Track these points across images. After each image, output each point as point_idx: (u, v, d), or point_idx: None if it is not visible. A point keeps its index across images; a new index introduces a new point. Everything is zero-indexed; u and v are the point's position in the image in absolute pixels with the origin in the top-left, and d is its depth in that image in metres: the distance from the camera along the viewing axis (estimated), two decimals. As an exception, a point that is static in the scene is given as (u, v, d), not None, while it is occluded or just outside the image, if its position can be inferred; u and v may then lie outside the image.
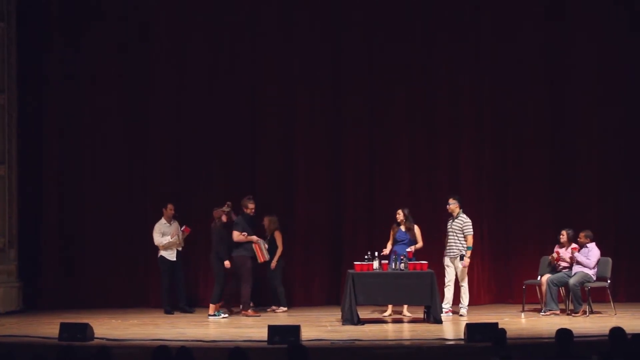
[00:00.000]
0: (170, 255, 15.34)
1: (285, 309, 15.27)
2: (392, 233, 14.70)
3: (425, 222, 15.25)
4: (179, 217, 15.58)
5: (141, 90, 16.50)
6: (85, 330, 11.81)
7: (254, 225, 14.72)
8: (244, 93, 16.53)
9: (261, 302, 15.47)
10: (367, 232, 15.90)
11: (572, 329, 8.43)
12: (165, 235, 15.30)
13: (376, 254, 13.87)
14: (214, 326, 13.64)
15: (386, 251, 14.39)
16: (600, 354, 8.08)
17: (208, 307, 14.86)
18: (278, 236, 15.34)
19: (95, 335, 11.97)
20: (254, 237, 14.59)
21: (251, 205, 14.62)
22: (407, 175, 16.45)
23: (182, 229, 15.31)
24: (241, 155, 16.47)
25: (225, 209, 14.62)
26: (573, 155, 16.43)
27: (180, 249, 15.44)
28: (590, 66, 16.43)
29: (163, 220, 15.41)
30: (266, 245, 14.85)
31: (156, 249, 15.42)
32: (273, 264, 15.17)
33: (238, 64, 16.49)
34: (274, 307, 15.36)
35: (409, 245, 14.43)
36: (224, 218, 14.59)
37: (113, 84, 16.49)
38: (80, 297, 16.09)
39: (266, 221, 15.35)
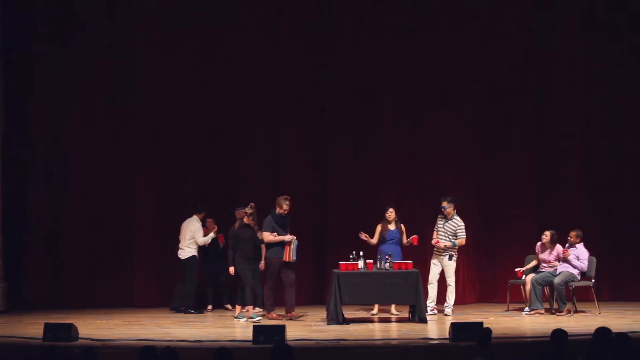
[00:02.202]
0: (197, 255, 15.43)
1: (261, 310, 15.26)
2: (378, 231, 14.70)
3: (409, 223, 15.24)
4: (163, 218, 15.65)
5: (128, 91, 16.45)
6: (69, 331, 11.76)
7: (285, 225, 14.14)
8: (231, 96, 16.53)
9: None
10: (352, 232, 15.86)
11: (556, 328, 8.45)
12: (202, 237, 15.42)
13: (361, 253, 13.88)
14: (200, 326, 13.59)
15: (374, 241, 14.52)
16: (585, 354, 8.10)
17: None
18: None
19: (80, 336, 11.92)
20: (287, 237, 13.96)
21: (286, 206, 14.03)
22: (392, 176, 16.49)
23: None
24: (227, 156, 16.48)
25: (248, 210, 14.10)
26: (558, 156, 16.49)
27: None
28: (577, 67, 16.50)
29: (199, 222, 15.46)
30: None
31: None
32: (262, 265, 15.17)
33: (226, 66, 16.50)
34: (249, 307, 15.42)
35: (398, 243, 14.49)
36: (245, 219, 14.11)
37: (101, 84, 16.43)
38: (65, 297, 16.04)
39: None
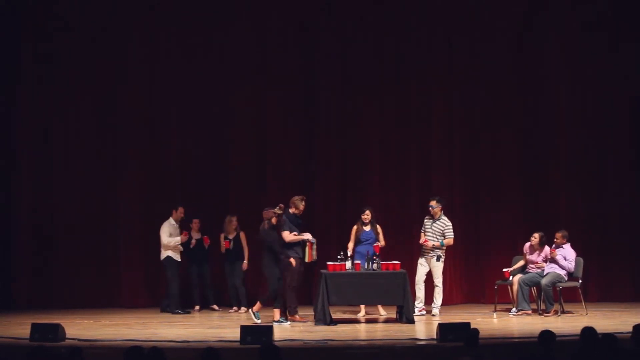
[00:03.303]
0: (177, 256, 15.37)
1: (246, 309, 15.28)
2: (354, 233, 14.63)
3: (396, 223, 15.23)
4: (151, 218, 15.64)
5: (115, 91, 16.47)
6: (56, 331, 11.73)
7: (299, 225, 13.96)
8: (218, 95, 16.57)
9: (224, 302, 15.77)
10: (339, 232, 15.87)
11: (543, 329, 8.45)
12: (173, 236, 15.30)
13: (349, 253, 13.87)
14: (186, 326, 13.58)
15: (349, 252, 14.30)
16: (572, 355, 8.11)
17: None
18: (244, 237, 15.45)
19: (67, 336, 11.89)
20: (306, 235, 13.85)
21: (302, 207, 13.91)
22: (377, 176, 16.54)
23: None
24: (214, 158, 16.54)
25: (278, 211, 13.73)
26: (544, 156, 16.53)
27: (181, 249, 15.50)
28: (565, 67, 16.52)
29: (172, 221, 15.42)
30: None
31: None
32: (245, 264, 15.29)
33: (213, 72, 16.51)
34: (235, 308, 15.51)
35: (373, 244, 14.35)
36: (274, 220, 13.71)
37: (88, 82, 16.46)
38: (53, 297, 16.05)
39: (235, 222, 15.42)
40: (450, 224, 14.60)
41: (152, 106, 16.48)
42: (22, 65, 16.39)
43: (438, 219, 14.59)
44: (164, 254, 15.35)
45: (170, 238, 15.29)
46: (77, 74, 16.41)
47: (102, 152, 16.44)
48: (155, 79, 16.52)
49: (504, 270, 14.76)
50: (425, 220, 14.72)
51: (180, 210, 15.45)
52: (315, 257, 13.90)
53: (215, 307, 15.64)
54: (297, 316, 13.84)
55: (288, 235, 13.72)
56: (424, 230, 14.67)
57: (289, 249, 13.74)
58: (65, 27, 16.38)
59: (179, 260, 15.42)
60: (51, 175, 16.37)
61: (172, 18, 16.54)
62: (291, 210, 13.89)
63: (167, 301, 15.40)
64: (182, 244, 15.43)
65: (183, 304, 15.34)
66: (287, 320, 13.56)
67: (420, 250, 14.72)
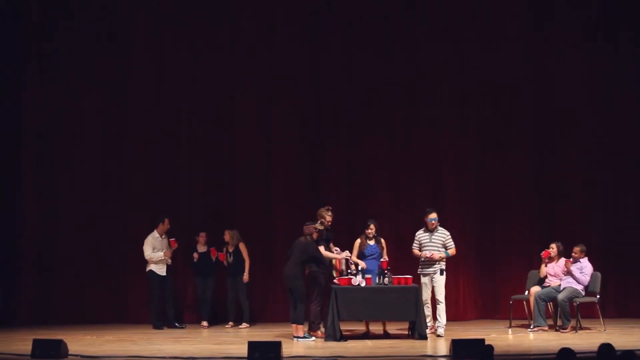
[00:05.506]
0: (160, 270, 15.21)
1: (248, 325, 15.17)
2: (357, 247, 14.19)
3: (407, 237, 14.93)
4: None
5: (120, 98, 16.45)
6: (58, 347, 11.55)
7: (329, 239, 13.85)
8: (224, 103, 16.54)
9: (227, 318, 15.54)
10: (348, 247, 15.57)
11: (560, 346, 8.28)
12: (157, 250, 15.12)
13: (359, 268, 13.60)
14: (193, 342, 13.38)
15: (363, 264, 13.89)
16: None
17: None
18: (243, 249, 15.29)
19: (70, 352, 11.70)
20: (341, 255, 13.83)
21: (329, 218, 13.78)
22: (387, 190, 16.42)
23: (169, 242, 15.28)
24: (220, 168, 16.49)
25: (319, 226, 13.56)
26: (559, 170, 16.42)
27: (169, 263, 15.30)
28: (577, 79, 16.43)
29: (156, 234, 15.28)
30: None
31: (140, 262, 15.33)
32: (246, 277, 15.13)
33: (217, 73, 16.44)
34: (231, 323, 15.33)
35: (379, 259, 13.95)
36: (314, 236, 13.47)
37: (93, 88, 16.43)
38: (55, 312, 15.97)
39: (227, 235, 15.27)
40: (449, 234, 14.17)
41: (157, 117, 16.43)
42: (25, 67, 16.39)
43: (436, 231, 14.16)
44: (148, 267, 15.22)
45: (153, 253, 15.15)
46: (78, 74, 16.39)
47: (105, 166, 16.39)
48: (160, 84, 16.47)
49: (545, 250, 14.47)
50: (421, 235, 14.18)
51: (167, 222, 15.31)
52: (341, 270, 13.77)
53: (204, 323, 15.37)
54: (319, 332, 13.57)
55: (324, 251, 13.57)
56: (420, 245, 14.16)
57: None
58: (67, 26, 16.37)
59: (164, 274, 15.23)
60: (55, 189, 16.30)
61: (176, 18, 16.48)
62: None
63: (174, 316, 15.31)
64: (193, 259, 15.38)
65: (163, 319, 15.19)
66: (310, 336, 13.32)
67: (420, 268, 14.15)
